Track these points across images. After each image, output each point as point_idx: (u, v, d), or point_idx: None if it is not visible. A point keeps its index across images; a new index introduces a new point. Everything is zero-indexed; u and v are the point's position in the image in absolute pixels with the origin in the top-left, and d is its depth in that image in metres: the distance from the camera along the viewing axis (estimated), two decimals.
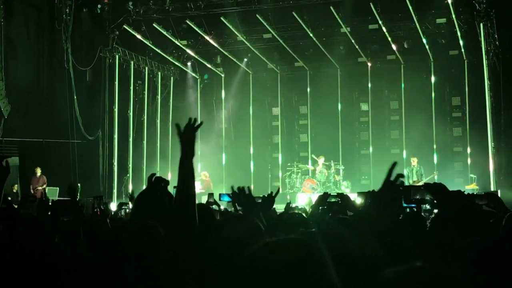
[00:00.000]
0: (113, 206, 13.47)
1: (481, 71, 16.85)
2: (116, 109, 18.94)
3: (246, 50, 20.20)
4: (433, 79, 19.82)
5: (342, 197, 5.28)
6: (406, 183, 16.95)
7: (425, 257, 2.69)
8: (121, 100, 19.12)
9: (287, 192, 19.23)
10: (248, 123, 21.65)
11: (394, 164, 2.70)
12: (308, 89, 21.32)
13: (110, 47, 18.61)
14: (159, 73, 21.02)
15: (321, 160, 19.06)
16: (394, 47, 18.92)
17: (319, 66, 20.88)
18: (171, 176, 16.82)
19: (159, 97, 21.04)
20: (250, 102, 21.75)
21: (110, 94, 18.93)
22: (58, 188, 16.58)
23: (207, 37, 19.15)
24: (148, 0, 18.02)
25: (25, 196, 12.92)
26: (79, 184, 17.30)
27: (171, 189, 3.39)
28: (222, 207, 9.12)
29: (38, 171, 16.51)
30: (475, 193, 11.03)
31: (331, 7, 17.02)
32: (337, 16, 17.36)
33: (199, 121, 3.02)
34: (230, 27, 18.32)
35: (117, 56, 18.84)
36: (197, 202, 3.03)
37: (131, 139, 19.52)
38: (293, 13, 17.34)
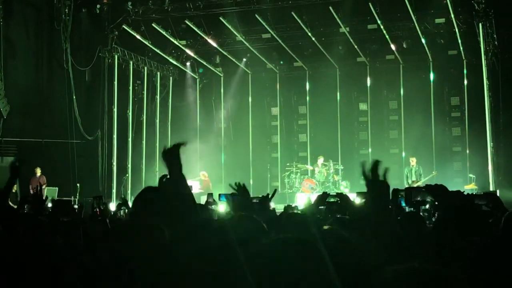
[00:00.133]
0: (112, 206, 13.45)
1: (480, 71, 16.85)
2: (115, 109, 18.94)
3: (245, 50, 20.20)
4: (432, 79, 19.82)
5: (342, 197, 5.27)
6: (405, 183, 16.97)
7: (425, 256, 2.70)
8: (120, 100, 19.12)
9: (286, 192, 19.25)
10: (247, 123, 21.64)
11: (364, 164, 2.73)
12: (307, 89, 21.33)
13: (109, 47, 18.61)
14: (158, 73, 21.01)
15: (320, 160, 19.07)
16: (393, 47, 18.92)
17: (318, 66, 20.88)
18: None
19: (158, 97, 21.03)
20: (249, 102, 21.75)
21: (109, 94, 18.93)
22: (57, 188, 16.58)
23: (206, 37, 19.16)
24: (147, 0, 18.02)
25: (25, 196, 12.90)
26: (78, 184, 17.32)
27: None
28: (222, 207, 9.12)
29: (38, 171, 16.49)
30: (474, 193, 11.04)
31: (330, 7, 17.03)
32: (336, 16, 17.37)
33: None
34: (229, 27, 18.33)
35: (116, 56, 18.84)
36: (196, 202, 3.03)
37: (130, 139, 19.52)
38: (292, 13, 17.35)
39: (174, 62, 20.91)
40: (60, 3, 17.39)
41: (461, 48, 18.51)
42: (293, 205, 9.01)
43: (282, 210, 6.73)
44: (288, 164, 20.16)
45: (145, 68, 20.27)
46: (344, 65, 20.46)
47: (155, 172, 19.24)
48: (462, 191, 3.25)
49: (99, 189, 17.88)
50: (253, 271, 1.77)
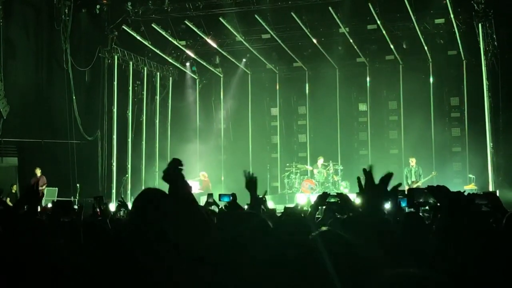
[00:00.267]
0: (112, 207, 13.45)
1: (480, 71, 16.84)
2: (115, 110, 18.94)
3: (244, 51, 20.21)
4: (431, 79, 19.83)
5: (342, 197, 5.27)
6: (405, 184, 16.96)
7: (424, 256, 2.70)
8: (120, 101, 19.13)
9: (286, 193, 19.25)
10: (247, 124, 21.64)
11: (365, 171, 2.71)
12: (307, 90, 21.33)
13: (109, 48, 18.61)
14: (158, 74, 21.01)
15: (320, 161, 19.06)
16: (392, 47, 18.93)
17: (318, 67, 20.88)
18: None
19: (158, 97, 21.03)
20: (248, 103, 21.75)
21: (109, 94, 18.93)
22: (57, 189, 16.58)
23: (206, 38, 19.16)
24: (147, 0, 18.02)
25: (22, 195, 12.91)
26: (78, 185, 17.32)
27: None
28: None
29: (38, 172, 16.49)
30: (474, 193, 11.02)
31: (330, 8, 17.04)
32: (335, 17, 17.38)
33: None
34: (229, 27, 18.33)
35: (116, 57, 18.84)
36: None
37: (130, 140, 19.52)
38: (292, 13, 17.35)
39: (174, 63, 20.91)
40: (60, 3, 17.38)
41: (461, 49, 18.51)
42: (293, 205, 9.00)
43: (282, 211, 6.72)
44: (287, 164, 20.14)
45: (145, 68, 20.27)
46: (343, 65, 20.47)
47: (154, 173, 19.26)
48: (462, 191, 3.25)
49: (99, 189, 17.88)
50: (254, 271, 1.77)
